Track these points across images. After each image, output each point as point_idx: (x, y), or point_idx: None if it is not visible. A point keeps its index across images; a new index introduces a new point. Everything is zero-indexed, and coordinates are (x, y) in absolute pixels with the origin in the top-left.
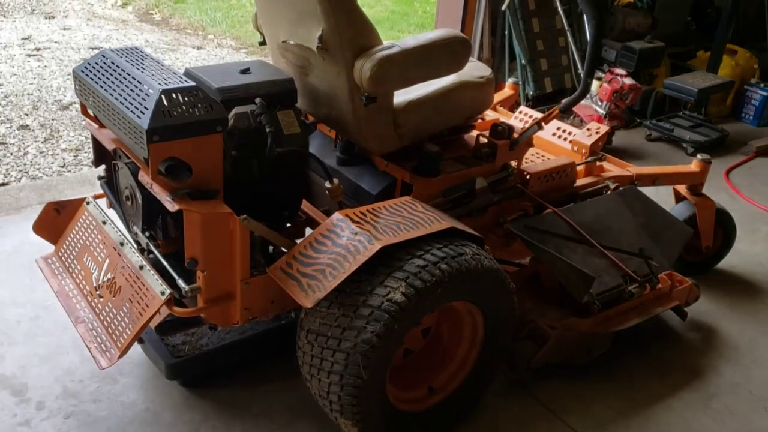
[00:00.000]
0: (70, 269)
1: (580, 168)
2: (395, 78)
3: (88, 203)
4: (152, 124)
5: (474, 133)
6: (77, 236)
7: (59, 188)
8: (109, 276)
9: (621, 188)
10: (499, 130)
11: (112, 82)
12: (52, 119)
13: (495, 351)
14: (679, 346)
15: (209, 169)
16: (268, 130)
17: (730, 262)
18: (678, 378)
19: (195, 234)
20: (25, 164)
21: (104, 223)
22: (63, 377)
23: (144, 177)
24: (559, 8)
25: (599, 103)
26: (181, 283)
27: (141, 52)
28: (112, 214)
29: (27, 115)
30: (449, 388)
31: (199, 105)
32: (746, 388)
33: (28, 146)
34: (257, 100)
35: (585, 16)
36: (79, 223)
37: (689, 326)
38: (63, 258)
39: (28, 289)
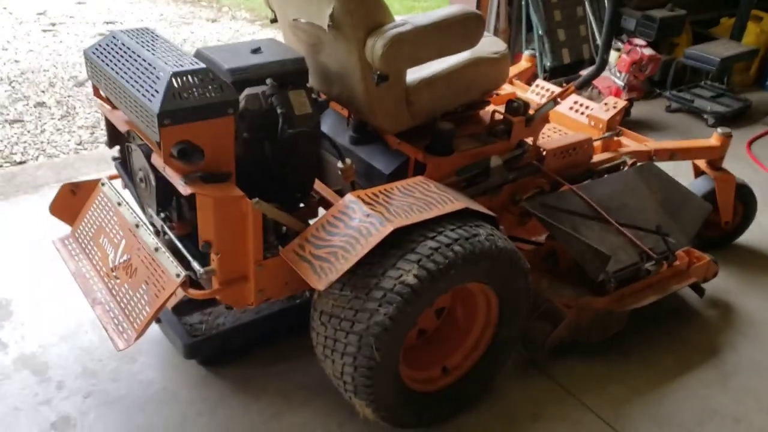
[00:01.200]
0: (86, 251)
1: (597, 143)
2: (407, 56)
3: (103, 184)
4: (163, 107)
5: (489, 108)
6: (93, 218)
7: (76, 166)
8: (125, 258)
9: (638, 164)
10: (515, 107)
11: (123, 64)
12: (68, 96)
13: (509, 331)
14: (697, 324)
15: (221, 151)
16: (279, 111)
17: (749, 236)
18: (695, 356)
19: (208, 217)
20: (42, 142)
21: (119, 204)
22: (82, 356)
23: (157, 160)
24: None
25: (618, 75)
26: (195, 265)
27: (152, 33)
28: (127, 195)
29: (43, 92)
30: (463, 368)
31: (210, 87)
32: (764, 366)
33: (45, 124)
34: (268, 81)
35: None
36: (94, 205)
37: (707, 303)
38: (79, 239)
39: (48, 269)
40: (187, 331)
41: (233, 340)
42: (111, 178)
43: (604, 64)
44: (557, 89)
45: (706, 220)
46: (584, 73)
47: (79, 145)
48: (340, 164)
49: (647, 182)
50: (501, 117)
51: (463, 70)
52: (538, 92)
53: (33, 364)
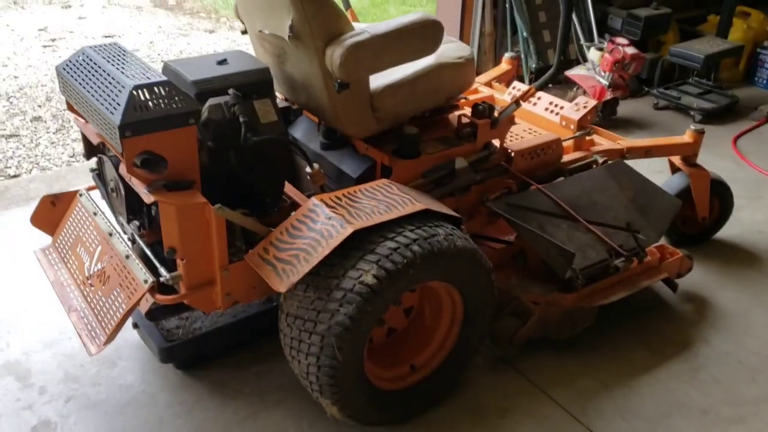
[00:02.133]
0: (65, 259)
1: (569, 143)
2: (366, 63)
3: (81, 195)
4: (124, 119)
5: (459, 112)
6: (72, 228)
7: (68, 179)
8: (99, 266)
9: (608, 162)
10: (480, 110)
11: (90, 79)
12: (64, 109)
13: (475, 329)
14: (671, 318)
15: (184, 160)
16: (241, 120)
17: (730, 231)
18: (667, 349)
19: (171, 224)
20: (36, 156)
21: (95, 214)
22: (65, 362)
23: (123, 170)
24: None
25: (602, 74)
26: (162, 271)
27: (119, 48)
28: (104, 205)
29: (40, 106)
30: (431, 365)
31: (171, 99)
32: (735, 358)
33: (40, 138)
34: (230, 91)
35: None
36: (73, 215)
37: (682, 298)
38: (59, 249)
39: (35, 278)
40: (164, 335)
41: (209, 344)
42: (89, 189)
43: (561, 65)
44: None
45: (683, 216)
46: (570, 73)
47: (72, 157)
48: (308, 169)
49: (617, 180)
50: (468, 120)
51: (427, 75)
52: (515, 94)
53: (17, 370)
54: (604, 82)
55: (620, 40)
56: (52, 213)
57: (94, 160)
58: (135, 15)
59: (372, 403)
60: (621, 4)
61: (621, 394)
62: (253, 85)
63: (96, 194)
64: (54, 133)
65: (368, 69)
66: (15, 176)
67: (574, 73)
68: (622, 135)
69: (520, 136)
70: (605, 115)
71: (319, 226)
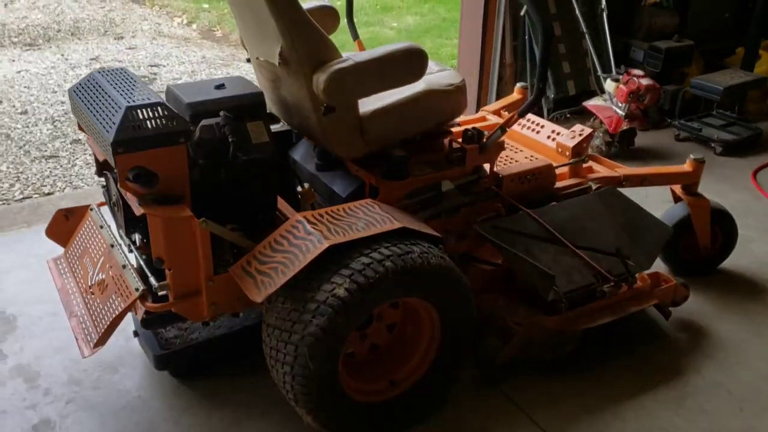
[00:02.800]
0: (73, 269)
1: (564, 169)
2: (350, 89)
3: (91, 210)
4: (117, 137)
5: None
6: (81, 239)
7: (95, 197)
8: (101, 275)
9: (600, 189)
10: (469, 135)
11: (93, 100)
12: None
13: (454, 347)
14: (664, 346)
15: (175, 176)
16: (230, 139)
17: (738, 262)
18: (656, 377)
19: (159, 235)
20: (71, 175)
21: (101, 227)
22: (71, 367)
23: None
24: (577, 11)
25: (619, 105)
26: (152, 280)
27: (125, 72)
28: (111, 219)
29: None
30: (410, 381)
31: (163, 119)
32: (726, 388)
33: (77, 159)
34: (221, 113)
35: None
36: (83, 228)
37: (678, 326)
38: (69, 259)
39: (53, 288)
40: (161, 344)
41: (203, 354)
42: (99, 204)
43: (541, 93)
44: (542, 120)
45: (686, 245)
46: (588, 103)
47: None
48: (299, 188)
49: (608, 206)
50: (458, 145)
51: (415, 101)
52: (519, 122)
53: (26, 372)
54: (621, 113)
55: (636, 71)
56: (65, 226)
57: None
58: (182, 46)
59: (347, 414)
60: (643, 36)
61: (603, 419)
62: (246, 107)
63: (105, 209)
64: (90, 155)
65: (352, 94)
66: (48, 194)
67: (592, 103)
68: (639, 165)
69: (517, 161)
70: (622, 146)
71: (299, 241)
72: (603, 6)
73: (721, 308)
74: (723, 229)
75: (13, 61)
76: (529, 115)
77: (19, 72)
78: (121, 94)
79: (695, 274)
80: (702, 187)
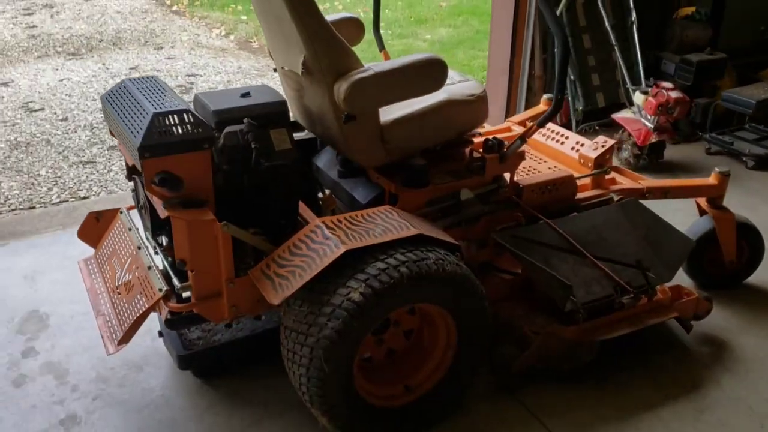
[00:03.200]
0: (102, 269)
1: (586, 180)
2: (370, 98)
3: (121, 213)
4: (144, 142)
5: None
6: (110, 241)
7: (128, 201)
8: (128, 276)
9: (622, 200)
10: (490, 145)
11: (123, 106)
12: None
13: (470, 354)
14: (684, 358)
15: (199, 181)
16: (253, 146)
17: (766, 276)
18: (674, 389)
19: (182, 237)
20: (106, 180)
21: (130, 229)
22: (98, 365)
23: None
24: (607, 24)
25: (648, 118)
26: (175, 281)
27: (155, 80)
28: (139, 221)
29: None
30: (425, 387)
31: (188, 125)
32: (746, 404)
33: (113, 164)
34: (245, 120)
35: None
36: (113, 230)
37: (700, 339)
38: (99, 260)
39: (83, 288)
40: (185, 344)
41: (225, 355)
42: (129, 208)
43: (559, 104)
44: (565, 131)
45: (711, 259)
46: (617, 116)
47: None
48: (320, 194)
49: (629, 217)
50: (478, 155)
51: (436, 111)
52: (543, 133)
53: (56, 369)
54: (649, 126)
55: (665, 84)
56: (95, 228)
57: None
58: (219, 56)
59: (362, 417)
60: (675, 48)
61: (618, 428)
62: (270, 115)
63: (134, 212)
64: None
65: (372, 103)
66: (84, 198)
67: (621, 116)
68: (667, 178)
69: (541, 172)
70: (651, 159)
71: (317, 245)
72: (633, 18)
73: (745, 322)
74: (749, 243)
75: (57, 69)
76: (554, 126)
77: (62, 80)
78: (150, 101)
79: (720, 288)
80: (732, 200)
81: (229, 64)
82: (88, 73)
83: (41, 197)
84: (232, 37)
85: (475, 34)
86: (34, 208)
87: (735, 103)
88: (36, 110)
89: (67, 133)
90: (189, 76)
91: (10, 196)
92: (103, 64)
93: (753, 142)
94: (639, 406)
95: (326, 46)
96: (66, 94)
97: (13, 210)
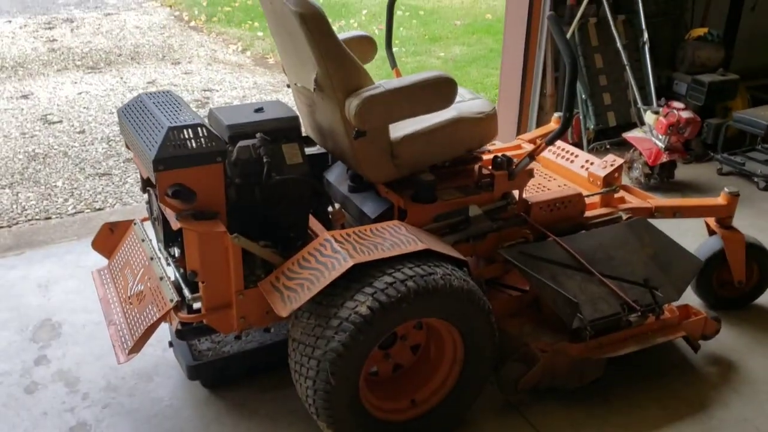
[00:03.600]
0: (114, 280)
1: (594, 199)
2: (380, 115)
3: (135, 224)
4: (158, 155)
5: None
6: (124, 252)
7: (143, 213)
8: (140, 286)
9: (630, 219)
10: (499, 162)
11: (139, 120)
12: None
13: (476, 369)
14: (691, 379)
15: (211, 193)
16: (264, 160)
17: None
18: (681, 409)
19: (193, 249)
20: (121, 192)
21: (143, 240)
22: (109, 374)
23: None
24: (618, 44)
25: (660, 137)
26: (186, 292)
27: (170, 95)
28: (153, 233)
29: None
30: (431, 402)
31: (202, 139)
32: (753, 425)
33: (128, 177)
34: (258, 135)
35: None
36: (126, 241)
37: (708, 359)
38: (112, 270)
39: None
40: (194, 355)
41: (233, 366)
42: (143, 220)
43: (567, 123)
44: (575, 149)
45: (720, 279)
46: (628, 135)
47: None
48: (330, 209)
49: (637, 236)
50: (487, 171)
51: (445, 127)
52: (554, 151)
53: (67, 377)
54: (660, 145)
55: (676, 104)
56: (110, 238)
57: None
58: (235, 72)
59: (368, 430)
60: (687, 69)
61: None
62: (282, 130)
63: (148, 224)
64: None
65: (382, 119)
66: (99, 209)
67: (632, 135)
68: (678, 198)
69: (550, 190)
70: (662, 178)
71: (326, 258)
72: (645, 39)
73: (754, 343)
74: (759, 264)
75: (76, 83)
76: (564, 145)
77: (80, 93)
78: (165, 115)
79: (729, 308)
80: (743, 221)
81: (245, 79)
82: (106, 86)
83: (57, 208)
84: (248, 53)
85: (489, 53)
86: (50, 218)
87: (747, 124)
88: (54, 122)
89: (84, 146)
90: (205, 90)
91: (27, 207)
92: (121, 78)
93: (765, 163)
94: (645, 425)
95: (338, 64)
96: (84, 107)
97: (29, 220)
